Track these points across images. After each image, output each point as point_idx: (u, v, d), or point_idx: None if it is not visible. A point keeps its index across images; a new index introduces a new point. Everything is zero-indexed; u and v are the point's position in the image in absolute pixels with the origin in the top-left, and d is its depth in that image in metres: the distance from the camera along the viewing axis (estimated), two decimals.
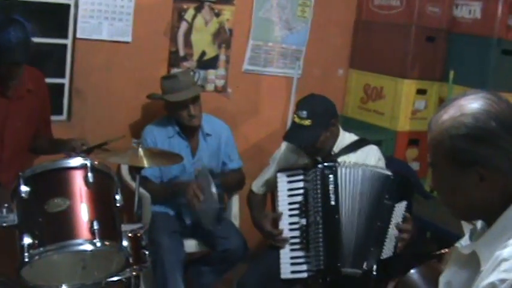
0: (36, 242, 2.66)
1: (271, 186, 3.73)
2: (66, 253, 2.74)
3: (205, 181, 3.81)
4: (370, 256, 3.26)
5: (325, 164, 3.37)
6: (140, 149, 3.43)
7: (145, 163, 3.40)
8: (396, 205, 3.28)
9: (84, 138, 3.69)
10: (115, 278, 3.06)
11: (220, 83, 4.85)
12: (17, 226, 2.74)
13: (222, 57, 4.82)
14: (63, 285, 2.87)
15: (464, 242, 1.88)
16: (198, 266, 4.04)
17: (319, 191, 3.32)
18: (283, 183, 3.50)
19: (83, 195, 2.78)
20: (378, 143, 4.00)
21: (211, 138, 4.19)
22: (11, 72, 3.42)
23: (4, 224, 2.76)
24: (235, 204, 4.38)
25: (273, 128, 5.10)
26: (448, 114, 1.71)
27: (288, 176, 3.49)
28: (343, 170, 3.32)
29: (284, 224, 3.48)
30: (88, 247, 2.70)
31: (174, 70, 4.53)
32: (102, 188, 2.89)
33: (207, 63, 4.76)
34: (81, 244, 2.70)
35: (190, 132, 4.14)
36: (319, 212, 3.31)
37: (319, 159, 3.48)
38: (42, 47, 4.07)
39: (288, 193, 3.48)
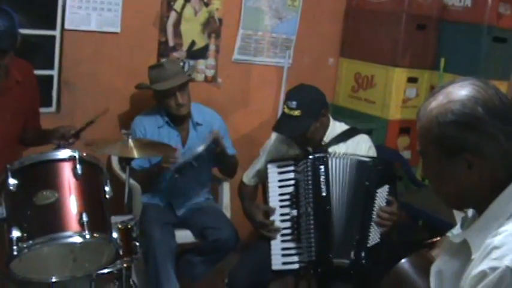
0: (25, 235, 2.64)
1: (262, 178, 3.72)
2: (55, 246, 2.74)
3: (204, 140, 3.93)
4: (356, 245, 3.28)
5: (316, 155, 3.36)
6: (130, 140, 3.41)
7: (135, 154, 3.37)
8: (378, 190, 3.30)
9: (71, 125, 3.66)
10: (106, 270, 3.05)
11: (210, 73, 4.83)
12: (5, 219, 2.72)
13: (212, 47, 4.79)
14: (54, 277, 2.87)
15: (456, 231, 1.89)
16: (189, 257, 4.03)
17: (310, 182, 3.32)
18: (273, 174, 3.49)
19: (71, 187, 2.77)
20: (369, 132, 4.00)
21: (201, 128, 4.17)
22: None
23: None
24: (226, 194, 4.37)
25: (263, 118, 5.08)
26: (436, 101, 1.71)
27: (279, 167, 3.49)
28: (334, 160, 3.32)
29: (275, 215, 3.48)
30: (77, 239, 2.69)
31: (164, 60, 4.50)
32: (91, 179, 2.88)
33: (196, 53, 4.73)
34: (70, 236, 2.68)
35: (179, 121, 4.13)
36: (311, 203, 3.32)
37: (310, 149, 3.46)
38: (30, 38, 4.02)
39: (278, 184, 3.48)
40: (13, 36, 3.31)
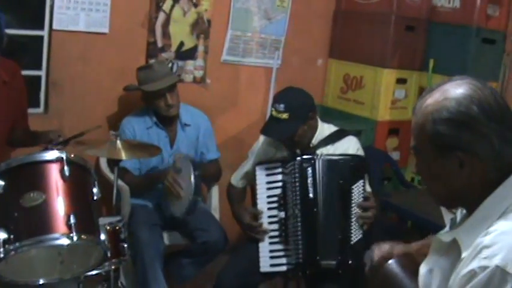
0: (12, 237, 2.62)
1: (250, 180, 3.73)
2: (42, 248, 2.72)
3: (186, 169, 3.80)
4: (341, 244, 3.29)
5: (304, 156, 3.36)
6: (118, 141, 3.40)
7: (124, 155, 3.37)
8: (353, 187, 3.30)
9: (61, 129, 3.65)
10: (94, 272, 3.04)
11: (199, 73, 4.82)
12: None
13: (201, 48, 4.78)
14: (41, 280, 2.85)
15: (444, 232, 1.88)
16: (178, 259, 4.02)
17: (297, 184, 3.32)
18: (261, 176, 3.49)
19: (59, 189, 2.75)
20: (358, 133, 4.00)
21: (189, 129, 4.17)
22: None
23: None
24: (215, 196, 4.36)
25: (252, 119, 5.07)
26: (432, 98, 1.71)
27: (267, 169, 3.49)
28: (321, 162, 3.32)
29: (263, 217, 3.48)
30: (65, 241, 2.67)
31: (152, 61, 4.49)
32: (78, 181, 2.86)
33: (185, 54, 4.72)
34: (57, 239, 2.67)
35: (168, 122, 4.12)
36: (298, 205, 3.33)
37: (298, 151, 3.46)
38: (18, 38, 4.01)
39: (266, 186, 3.49)
40: None
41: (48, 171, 2.78)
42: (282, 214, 3.41)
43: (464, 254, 1.65)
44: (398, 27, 5.04)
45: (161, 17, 4.54)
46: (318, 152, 3.46)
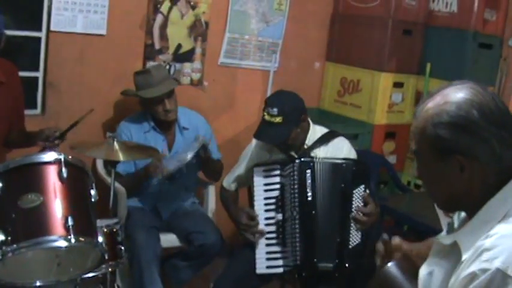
0: (9, 238, 2.61)
1: (242, 183, 3.76)
2: (40, 250, 2.70)
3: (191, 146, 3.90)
4: (339, 248, 3.29)
5: (303, 159, 3.36)
6: (115, 143, 3.39)
7: (121, 157, 3.36)
8: (354, 191, 3.31)
9: (56, 126, 3.63)
10: (91, 274, 3.03)
11: (196, 76, 4.82)
12: None
13: (198, 50, 4.78)
14: (38, 282, 2.83)
15: (444, 235, 1.89)
16: (175, 261, 4.02)
17: (296, 186, 3.32)
18: (259, 178, 3.48)
19: (56, 191, 2.73)
20: (354, 137, 4.01)
21: (188, 132, 4.16)
22: None
23: None
24: (211, 198, 4.36)
25: (249, 122, 5.06)
26: (433, 102, 1.72)
27: (264, 170, 3.49)
28: (321, 165, 3.32)
29: (260, 219, 3.47)
30: (62, 243, 2.65)
31: (150, 63, 4.49)
32: (76, 183, 2.85)
33: (182, 57, 4.72)
34: (55, 241, 2.65)
35: (166, 126, 4.11)
36: (296, 207, 3.32)
37: (294, 154, 3.47)
38: (15, 39, 4.00)
39: (264, 188, 3.48)
40: None
41: (46, 173, 2.77)
42: (280, 216, 3.40)
43: (464, 257, 1.65)
44: (395, 31, 5.05)
45: (159, 19, 4.54)
46: (313, 153, 3.47)
